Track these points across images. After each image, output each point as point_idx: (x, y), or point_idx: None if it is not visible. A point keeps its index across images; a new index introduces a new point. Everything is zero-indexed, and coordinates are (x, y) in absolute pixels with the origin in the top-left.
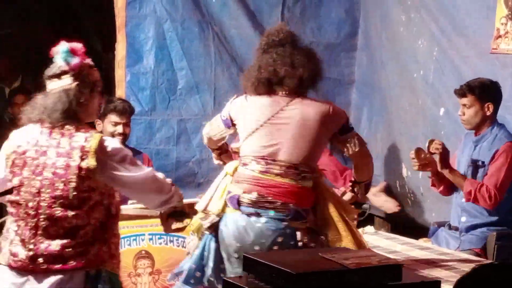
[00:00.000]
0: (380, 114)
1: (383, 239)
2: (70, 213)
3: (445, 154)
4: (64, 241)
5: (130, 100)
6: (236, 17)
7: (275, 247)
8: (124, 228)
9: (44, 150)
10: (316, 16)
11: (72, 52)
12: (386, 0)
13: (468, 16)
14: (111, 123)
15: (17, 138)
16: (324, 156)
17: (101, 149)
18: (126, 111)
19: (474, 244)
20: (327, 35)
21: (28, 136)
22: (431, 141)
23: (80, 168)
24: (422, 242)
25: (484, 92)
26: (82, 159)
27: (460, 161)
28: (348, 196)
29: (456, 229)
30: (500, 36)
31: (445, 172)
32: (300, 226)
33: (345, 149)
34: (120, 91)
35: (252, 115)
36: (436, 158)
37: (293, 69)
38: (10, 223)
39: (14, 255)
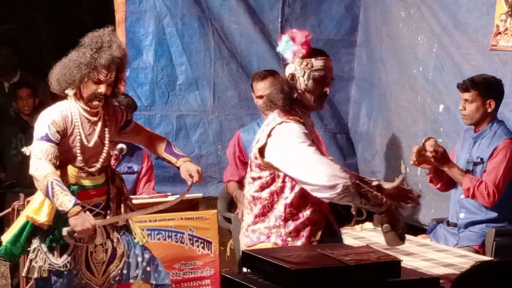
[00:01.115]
0: (379, 111)
1: (382, 235)
2: None
3: (441, 153)
4: None
5: (129, 95)
6: (236, 13)
7: None
8: None
9: None
10: (316, 12)
11: None
12: None
13: (468, 12)
14: None
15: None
16: None
17: None
18: (130, 107)
19: (473, 241)
20: (327, 31)
21: None
22: (426, 140)
23: None
24: (420, 238)
25: (487, 88)
26: None
27: (459, 158)
28: None
29: (455, 225)
30: (499, 33)
31: (445, 168)
32: None
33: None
34: (120, 86)
35: None
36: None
37: None
38: None
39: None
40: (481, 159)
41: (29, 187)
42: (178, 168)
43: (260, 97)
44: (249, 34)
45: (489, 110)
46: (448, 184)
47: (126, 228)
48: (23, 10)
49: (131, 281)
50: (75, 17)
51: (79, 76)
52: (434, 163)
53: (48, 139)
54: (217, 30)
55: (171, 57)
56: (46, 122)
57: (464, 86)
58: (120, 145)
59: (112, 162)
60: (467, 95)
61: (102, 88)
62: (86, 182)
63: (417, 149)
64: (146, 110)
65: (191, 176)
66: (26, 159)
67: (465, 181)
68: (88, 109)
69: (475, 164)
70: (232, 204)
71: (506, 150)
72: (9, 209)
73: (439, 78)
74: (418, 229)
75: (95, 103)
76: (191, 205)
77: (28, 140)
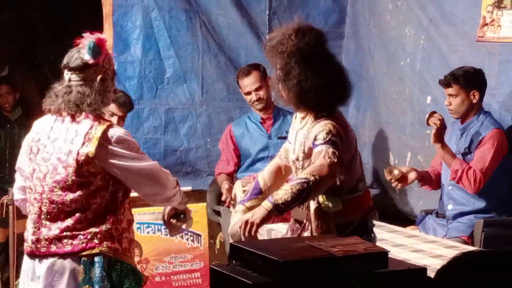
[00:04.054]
0: (367, 102)
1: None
2: (70, 197)
3: (441, 129)
4: (64, 224)
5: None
6: (223, 6)
7: None
8: None
9: (55, 137)
10: (303, 4)
11: (99, 45)
12: None
13: (455, 4)
14: (109, 112)
15: (36, 127)
16: None
17: (105, 137)
18: (126, 105)
19: (461, 232)
20: (314, 23)
21: (45, 124)
22: (431, 114)
23: (78, 153)
24: (409, 229)
25: (469, 80)
26: (83, 144)
27: None
28: None
29: (444, 216)
30: (486, 24)
31: (437, 147)
32: None
33: None
34: None
35: None
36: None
37: None
38: None
39: (25, 240)
40: (469, 150)
41: (10, 183)
42: None
43: (248, 93)
44: (236, 27)
45: (474, 101)
46: (438, 184)
47: None
48: (13, 5)
49: None
50: (65, 12)
51: None
52: (408, 180)
53: None
54: (205, 23)
55: (159, 50)
56: None
57: (446, 82)
58: None
59: None
60: (450, 90)
61: None
62: None
63: (387, 171)
64: (134, 104)
65: None
66: (6, 154)
67: (454, 163)
68: None
69: (463, 154)
70: (221, 197)
71: (494, 140)
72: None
73: (426, 70)
74: (407, 221)
75: None
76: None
77: (9, 135)
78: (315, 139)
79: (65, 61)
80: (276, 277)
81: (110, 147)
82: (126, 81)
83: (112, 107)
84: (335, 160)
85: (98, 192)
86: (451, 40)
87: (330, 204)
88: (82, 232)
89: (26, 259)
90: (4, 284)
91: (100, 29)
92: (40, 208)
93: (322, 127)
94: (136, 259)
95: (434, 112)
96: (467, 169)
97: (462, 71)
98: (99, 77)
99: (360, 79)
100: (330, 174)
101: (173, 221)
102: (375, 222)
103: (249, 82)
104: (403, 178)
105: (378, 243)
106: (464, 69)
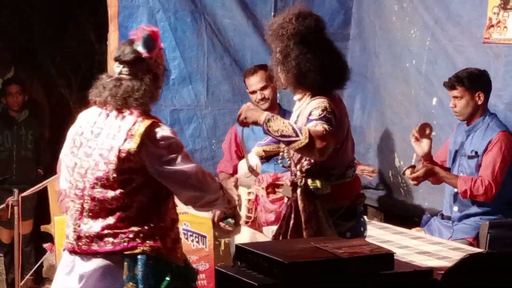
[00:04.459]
0: (373, 104)
1: (375, 228)
2: (110, 194)
3: (424, 174)
4: (105, 222)
5: None
6: (229, 7)
7: None
8: None
9: (98, 132)
10: (309, 5)
11: (153, 38)
12: None
13: (461, 5)
14: None
15: (81, 119)
16: None
17: (148, 135)
18: None
19: (467, 234)
20: None
21: (89, 117)
22: (403, 173)
23: (120, 150)
24: (414, 231)
25: (473, 82)
26: (124, 140)
27: (452, 151)
28: None
29: (449, 218)
30: (492, 26)
31: (435, 178)
32: None
33: None
34: None
35: None
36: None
37: None
38: None
39: (66, 237)
40: (476, 152)
41: (17, 184)
42: None
43: (254, 92)
44: (242, 28)
45: (479, 102)
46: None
47: None
48: (17, 5)
49: None
50: (69, 13)
51: None
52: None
53: None
54: (210, 24)
55: (164, 52)
56: None
57: (450, 84)
58: None
59: None
60: (455, 92)
61: None
62: None
63: (410, 171)
64: None
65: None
66: (13, 156)
67: (459, 184)
68: None
69: (470, 157)
70: None
71: (501, 143)
72: (3, 205)
73: (432, 71)
74: (412, 222)
75: None
76: None
77: (15, 137)
78: (310, 114)
79: (116, 54)
80: (281, 279)
81: (151, 145)
82: None
83: None
84: (327, 135)
85: (140, 189)
86: (457, 42)
87: (318, 185)
88: (123, 231)
89: (66, 254)
90: (9, 285)
91: (100, 29)
92: (81, 205)
93: (318, 104)
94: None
95: (403, 173)
96: (473, 183)
97: (466, 73)
98: (150, 71)
99: (366, 81)
100: (320, 146)
101: (222, 224)
102: (380, 223)
103: (254, 81)
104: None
105: (383, 245)
106: (469, 70)
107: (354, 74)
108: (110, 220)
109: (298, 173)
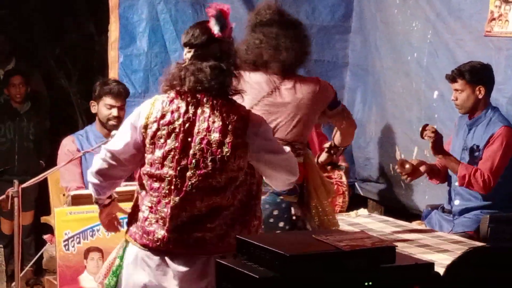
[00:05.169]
0: (374, 97)
1: (376, 221)
2: (217, 192)
3: (438, 140)
4: (206, 222)
5: (123, 82)
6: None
7: (271, 220)
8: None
9: (193, 123)
10: None
11: (225, 16)
12: None
13: None
14: (106, 106)
15: (159, 107)
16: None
17: (253, 127)
18: (121, 94)
19: (467, 227)
20: (321, 17)
21: (173, 106)
22: (424, 128)
23: (234, 146)
24: (415, 225)
25: (474, 75)
26: (237, 136)
27: (454, 144)
28: (323, 157)
29: (450, 212)
30: (494, 19)
31: (439, 157)
32: (293, 200)
33: (336, 122)
34: (113, 73)
35: (249, 92)
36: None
37: (277, 53)
38: (142, 199)
39: (149, 233)
40: (477, 146)
41: (18, 175)
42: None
43: None
44: (242, 20)
45: (480, 96)
46: (445, 177)
47: None
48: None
49: None
50: (69, 4)
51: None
52: (421, 172)
53: None
54: None
55: (164, 43)
56: None
57: (451, 77)
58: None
59: None
60: (456, 85)
61: None
62: None
63: (399, 164)
64: (140, 97)
65: None
66: (15, 147)
67: (460, 169)
68: None
69: (471, 151)
70: None
71: (503, 138)
72: (3, 196)
73: (433, 65)
74: (412, 215)
75: None
76: None
77: (17, 128)
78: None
79: (185, 39)
80: (282, 271)
81: (258, 137)
82: (132, 74)
83: (109, 99)
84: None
85: (241, 187)
86: (458, 35)
87: None
88: (224, 231)
89: (144, 254)
90: (9, 277)
91: (100, 20)
92: (180, 202)
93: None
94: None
95: (427, 125)
96: (473, 172)
97: (468, 66)
98: (224, 53)
99: (367, 74)
100: None
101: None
102: (380, 217)
103: None
104: (414, 172)
105: (384, 237)
106: (471, 64)
107: (355, 67)
108: (212, 219)
109: None
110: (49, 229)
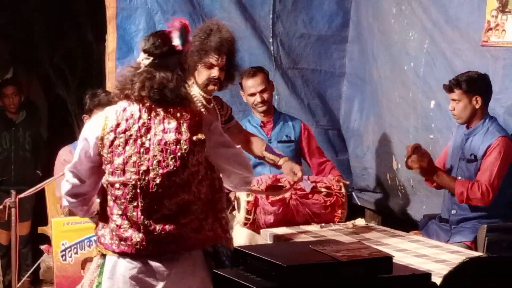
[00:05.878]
0: (371, 106)
1: (373, 231)
2: (182, 188)
3: (423, 166)
4: (179, 218)
5: None
6: (227, 9)
7: None
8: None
9: (149, 127)
10: (307, 8)
11: (187, 31)
12: None
13: (460, 8)
14: None
15: (113, 117)
16: None
17: (206, 124)
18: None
19: (465, 237)
20: (318, 27)
21: (127, 113)
22: (408, 157)
23: (192, 143)
24: (412, 234)
25: (471, 85)
26: (192, 133)
27: (451, 154)
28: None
29: (447, 221)
30: (490, 29)
31: (434, 178)
32: None
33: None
34: (111, 83)
35: None
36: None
37: None
38: (111, 209)
39: (126, 239)
40: (475, 156)
41: (15, 185)
42: (279, 167)
43: (253, 94)
44: (240, 30)
45: (477, 106)
46: None
47: None
48: (16, 6)
49: None
50: (68, 14)
51: (192, 64)
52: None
53: None
54: None
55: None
56: None
57: (449, 87)
58: None
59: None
60: (453, 95)
61: (215, 72)
62: None
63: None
64: None
65: (294, 174)
66: (11, 157)
67: (456, 187)
68: (205, 95)
69: (469, 161)
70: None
71: (500, 148)
72: (0, 206)
73: (430, 74)
74: (410, 225)
75: (211, 87)
76: None
77: (13, 138)
78: None
79: (145, 45)
80: (280, 282)
81: (211, 133)
82: None
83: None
84: None
85: (204, 181)
86: (455, 45)
87: None
88: (198, 225)
89: (124, 261)
90: (6, 287)
91: (98, 29)
92: (148, 204)
93: None
94: None
95: (410, 156)
96: (470, 186)
97: (465, 76)
98: (180, 65)
99: (364, 83)
100: None
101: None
102: (378, 226)
103: (254, 83)
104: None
105: (381, 248)
106: (468, 74)
107: (352, 76)
108: (184, 215)
109: None
110: (46, 240)
